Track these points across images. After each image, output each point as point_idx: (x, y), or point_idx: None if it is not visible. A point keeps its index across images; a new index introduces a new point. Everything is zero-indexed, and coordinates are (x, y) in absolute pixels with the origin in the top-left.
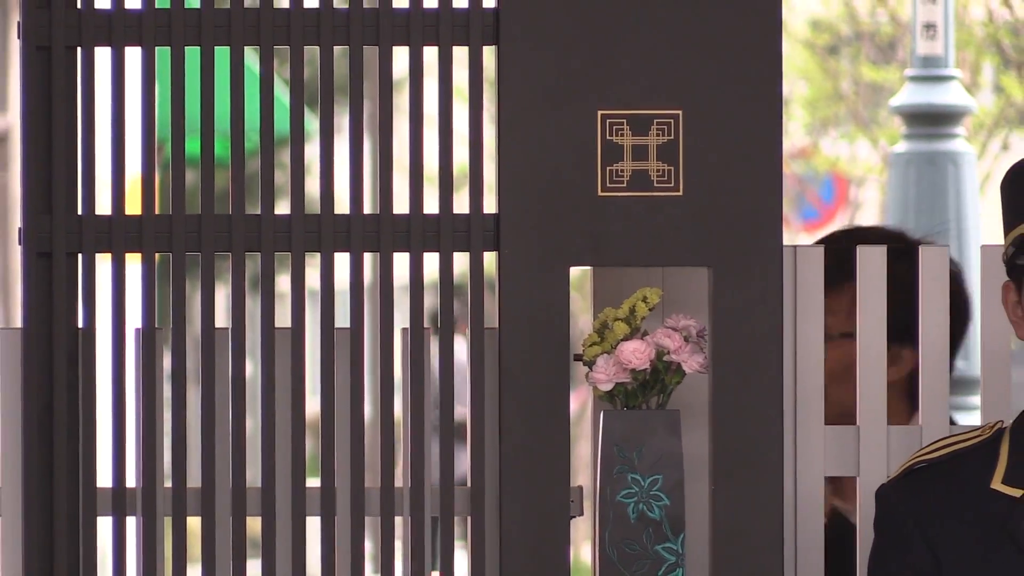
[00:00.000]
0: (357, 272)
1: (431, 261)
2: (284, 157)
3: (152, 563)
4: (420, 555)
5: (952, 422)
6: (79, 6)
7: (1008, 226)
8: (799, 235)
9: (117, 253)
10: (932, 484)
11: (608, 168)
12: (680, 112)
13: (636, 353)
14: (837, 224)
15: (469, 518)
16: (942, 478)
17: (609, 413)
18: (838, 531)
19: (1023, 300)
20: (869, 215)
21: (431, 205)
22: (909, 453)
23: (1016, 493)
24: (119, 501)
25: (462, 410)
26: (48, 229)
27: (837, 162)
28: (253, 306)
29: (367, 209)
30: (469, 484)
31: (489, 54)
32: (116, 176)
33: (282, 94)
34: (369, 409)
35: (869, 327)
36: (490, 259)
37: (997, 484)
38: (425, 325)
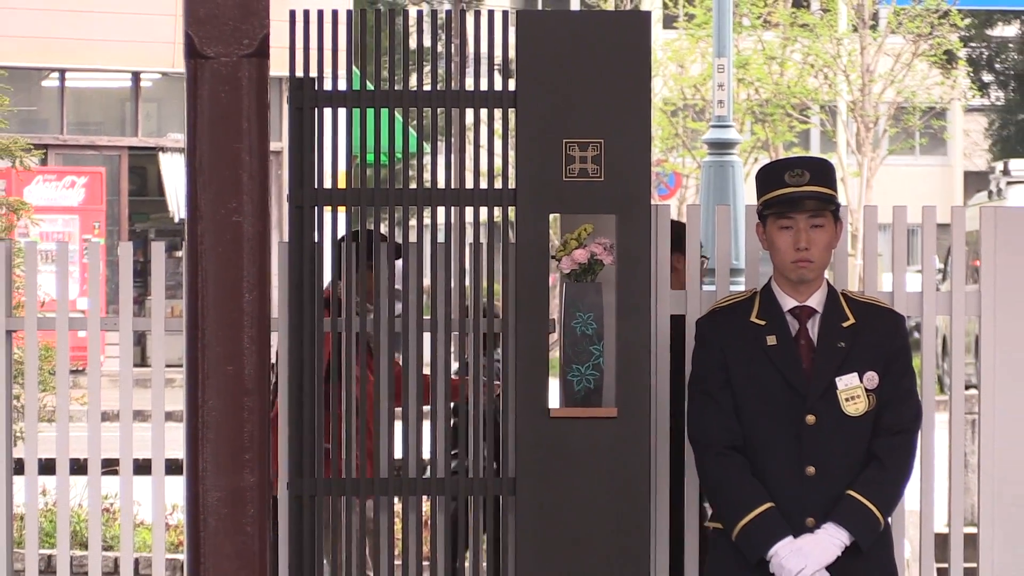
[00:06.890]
0: (447, 216)
1: (483, 211)
2: (413, 163)
3: (362, 398)
4: (477, 358)
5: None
6: (316, 88)
7: (759, 196)
8: (658, 201)
9: (334, 206)
10: (723, 318)
11: (568, 167)
12: (603, 140)
13: (581, 255)
14: (676, 197)
15: (500, 334)
16: (728, 315)
17: (568, 284)
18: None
19: (767, 232)
20: (691, 193)
21: (482, 184)
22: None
23: (762, 323)
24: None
25: (497, 286)
26: (300, 194)
27: (676, 167)
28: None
29: (453, 185)
30: (500, 317)
31: (511, 114)
32: (333, 168)
33: (414, 133)
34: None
35: (692, 256)
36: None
37: (753, 318)
38: (480, 242)
